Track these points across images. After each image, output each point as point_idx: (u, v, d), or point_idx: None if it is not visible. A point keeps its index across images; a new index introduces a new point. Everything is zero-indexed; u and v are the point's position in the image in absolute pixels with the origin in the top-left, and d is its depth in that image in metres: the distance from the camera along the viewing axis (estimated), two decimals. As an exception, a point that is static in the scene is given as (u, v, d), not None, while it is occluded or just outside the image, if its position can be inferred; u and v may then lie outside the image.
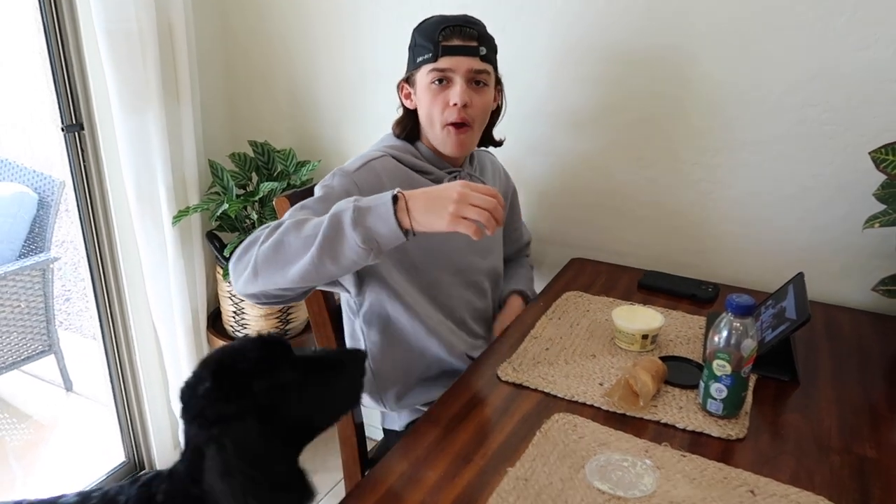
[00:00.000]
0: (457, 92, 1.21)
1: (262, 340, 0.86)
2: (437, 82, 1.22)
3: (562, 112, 1.63)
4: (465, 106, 1.21)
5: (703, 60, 1.44)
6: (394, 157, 1.26)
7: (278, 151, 1.94)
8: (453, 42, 1.20)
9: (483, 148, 1.44)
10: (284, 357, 0.86)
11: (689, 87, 1.48)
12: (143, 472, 0.91)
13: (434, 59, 1.21)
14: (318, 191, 1.17)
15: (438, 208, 0.96)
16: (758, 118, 1.43)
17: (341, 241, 0.98)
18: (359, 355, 0.95)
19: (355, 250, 0.97)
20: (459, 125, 1.23)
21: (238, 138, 2.12)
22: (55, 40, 1.67)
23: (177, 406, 0.86)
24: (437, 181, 1.29)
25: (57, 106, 1.72)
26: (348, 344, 1.35)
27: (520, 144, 1.67)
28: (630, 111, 1.55)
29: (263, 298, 1.10)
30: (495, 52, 1.27)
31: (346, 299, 1.30)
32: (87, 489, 0.89)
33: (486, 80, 1.25)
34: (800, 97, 1.38)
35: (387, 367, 1.31)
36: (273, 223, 1.07)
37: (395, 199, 0.97)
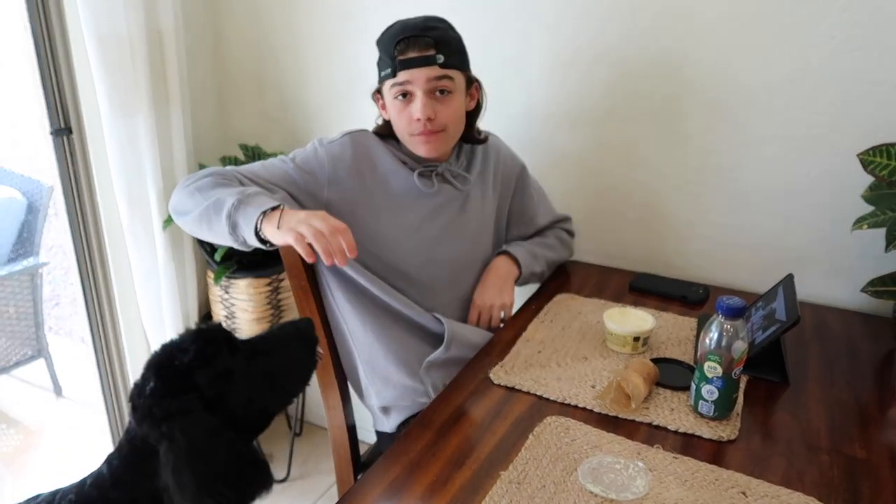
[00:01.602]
0: (418, 107, 1.21)
1: (198, 332, 0.85)
2: (400, 97, 1.23)
3: (552, 114, 1.63)
4: (429, 119, 1.22)
5: (692, 63, 1.45)
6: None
7: (269, 155, 1.94)
8: (409, 54, 1.20)
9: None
10: (226, 345, 0.86)
11: (678, 90, 1.48)
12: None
13: (393, 73, 1.21)
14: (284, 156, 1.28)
15: (284, 222, 1.02)
16: (746, 120, 1.44)
17: (217, 221, 1.08)
18: (303, 324, 0.94)
19: (225, 235, 1.08)
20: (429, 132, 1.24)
21: (228, 142, 2.11)
22: (43, 44, 1.65)
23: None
24: (411, 169, 1.31)
25: (45, 110, 1.71)
26: (334, 333, 1.36)
27: (511, 145, 1.66)
28: (620, 113, 1.56)
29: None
30: (461, 53, 1.26)
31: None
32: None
33: (449, 88, 1.23)
34: (787, 99, 1.39)
35: (363, 337, 1.32)
36: (211, 172, 1.19)
37: (275, 208, 1.04)
